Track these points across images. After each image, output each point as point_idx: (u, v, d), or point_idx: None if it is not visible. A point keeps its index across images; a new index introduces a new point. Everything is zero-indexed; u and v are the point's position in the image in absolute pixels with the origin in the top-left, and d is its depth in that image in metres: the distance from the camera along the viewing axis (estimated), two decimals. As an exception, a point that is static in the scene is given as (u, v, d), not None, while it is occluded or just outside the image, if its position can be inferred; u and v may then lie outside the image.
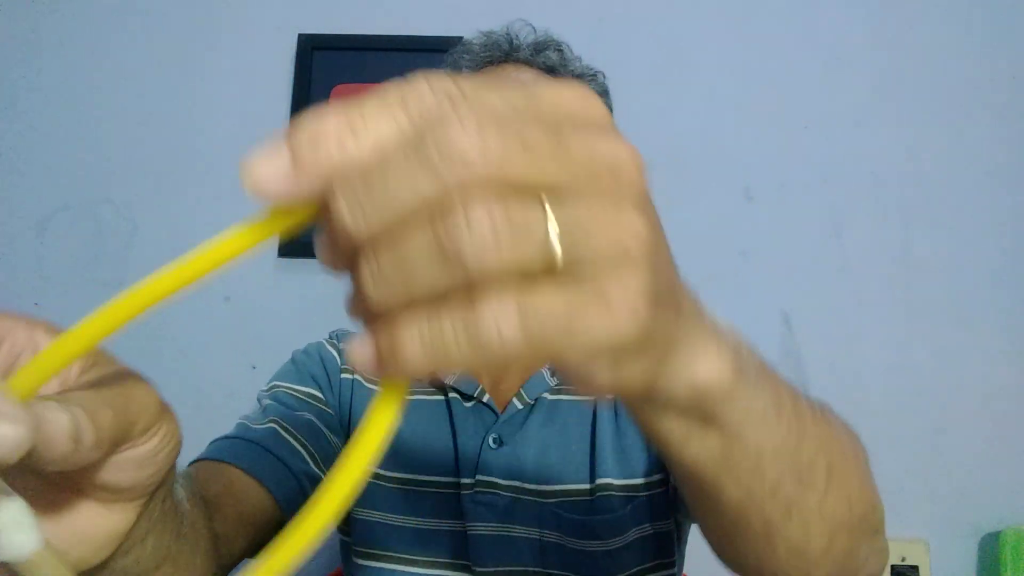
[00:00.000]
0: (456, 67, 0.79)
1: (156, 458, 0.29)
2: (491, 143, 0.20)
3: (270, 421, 0.67)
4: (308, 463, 0.68)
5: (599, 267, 0.21)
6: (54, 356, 0.26)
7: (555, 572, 0.68)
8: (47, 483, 0.29)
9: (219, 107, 1.26)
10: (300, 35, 1.26)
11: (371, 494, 0.72)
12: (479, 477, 0.70)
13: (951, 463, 1.10)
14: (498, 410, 0.73)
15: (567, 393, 0.75)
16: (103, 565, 0.31)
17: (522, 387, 0.73)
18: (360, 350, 0.22)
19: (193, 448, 1.24)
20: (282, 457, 0.66)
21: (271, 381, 0.75)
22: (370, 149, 0.21)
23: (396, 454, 0.73)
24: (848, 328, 1.16)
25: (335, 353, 0.79)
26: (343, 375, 0.75)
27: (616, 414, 0.73)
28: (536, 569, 0.68)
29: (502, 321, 0.20)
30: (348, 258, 0.23)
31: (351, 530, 0.74)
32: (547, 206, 0.20)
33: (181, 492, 0.40)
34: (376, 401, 0.24)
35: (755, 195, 1.20)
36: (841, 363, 1.14)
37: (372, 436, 0.24)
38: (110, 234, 1.23)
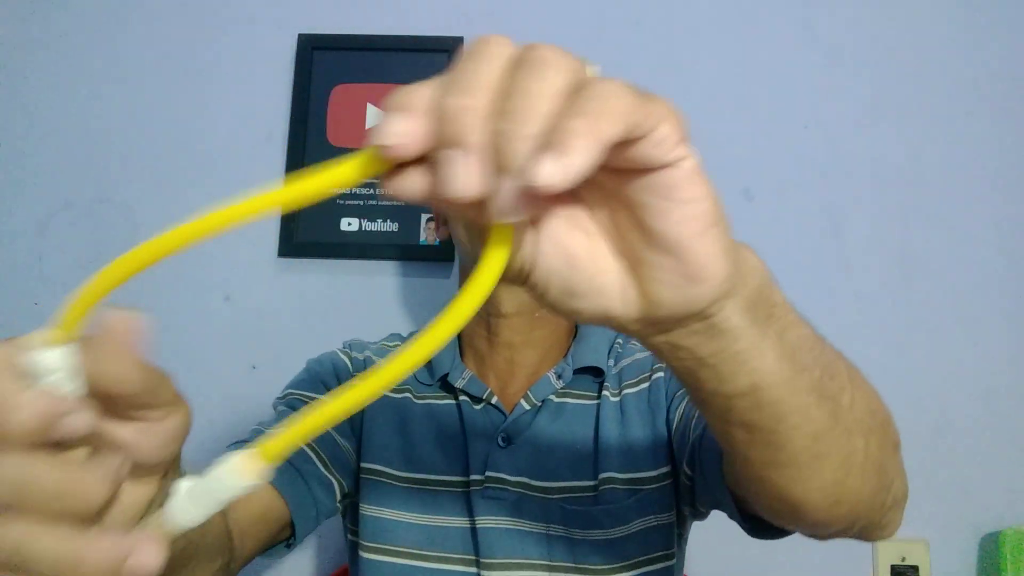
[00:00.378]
0: None
1: (181, 429, 0.31)
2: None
3: None
4: (319, 467, 0.73)
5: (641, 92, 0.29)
6: (99, 287, 0.29)
7: (561, 564, 0.71)
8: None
9: (219, 107, 1.26)
10: (300, 35, 1.26)
11: (383, 492, 0.76)
12: (488, 474, 0.73)
13: (951, 463, 1.10)
14: (506, 411, 0.77)
15: (572, 396, 0.79)
16: None
17: (529, 389, 0.77)
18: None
19: (194, 447, 1.24)
20: (294, 462, 0.70)
21: (286, 389, 0.80)
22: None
23: (409, 456, 0.77)
24: (848, 328, 1.15)
25: (347, 361, 0.83)
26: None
27: (621, 412, 0.76)
28: (542, 562, 0.71)
29: (602, 84, 0.28)
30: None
31: (359, 527, 0.76)
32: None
33: None
34: (489, 244, 0.28)
35: (755, 195, 1.20)
36: (841, 363, 1.14)
37: (486, 273, 0.27)
38: (110, 234, 1.23)
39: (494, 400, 0.78)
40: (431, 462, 0.76)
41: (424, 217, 1.19)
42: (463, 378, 0.79)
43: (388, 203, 1.21)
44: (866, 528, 0.49)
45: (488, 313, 0.78)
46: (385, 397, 0.79)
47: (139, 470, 0.31)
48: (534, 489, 0.74)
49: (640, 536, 0.72)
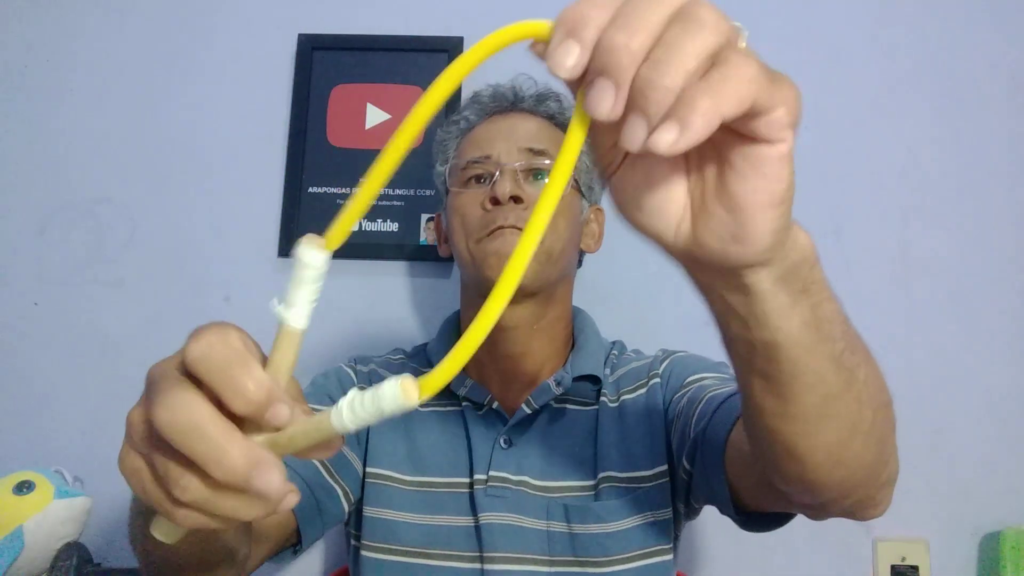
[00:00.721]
0: (466, 118, 0.88)
1: None
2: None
3: None
4: (324, 476, 0.76)
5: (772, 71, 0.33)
6: (355, 210, 0.36)
7: (561, 558, 0.74)
8: None
9: (219, 107, 1.26)
10: (300, 35, 1.26)
11: (389, 496, 0.79)
12: (492, 473, 0.77)
13: (951, 463, 1.10)
14: (507, 415, 0.81)
15: (572, 403, 0.83)
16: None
17: (530, 395, 0.81)
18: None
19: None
20: (300, 472, 0.73)
21: None
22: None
23: (415, 460, 0.80)
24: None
25: (353, 375, 0.86)
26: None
27: (620, 416, 0.80)
28: (543, 556, 0.74)
29: (740, 63, 0.31)
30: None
31: (362, 530, 0.79)
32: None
33: None
34: (571, 124, 0.32)
35: (755, 195, 1.20)
36: (841, 363, 1.14)
37: (569, 148, 0.31)
38: (110, 234, 1.23)
39: (495, 405, 0.81)
40: (437, 465, 0.80)
41: (424, 217, 1.19)
42: (465, 386, 0.82)
43: (388, 203, 1.21)
44: (860, 503, 0.52)
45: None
46: None
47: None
48: (535, 488, 0.77)
49: (638, 531, 0.75)
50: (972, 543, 1.09)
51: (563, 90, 0.92)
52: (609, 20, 0.29)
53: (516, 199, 0.77)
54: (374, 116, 1.23)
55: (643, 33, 0.29)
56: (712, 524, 1.06)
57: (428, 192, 1.19)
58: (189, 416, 0.31)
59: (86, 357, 1.19)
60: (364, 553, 0.77)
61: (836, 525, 1.07)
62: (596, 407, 0.82)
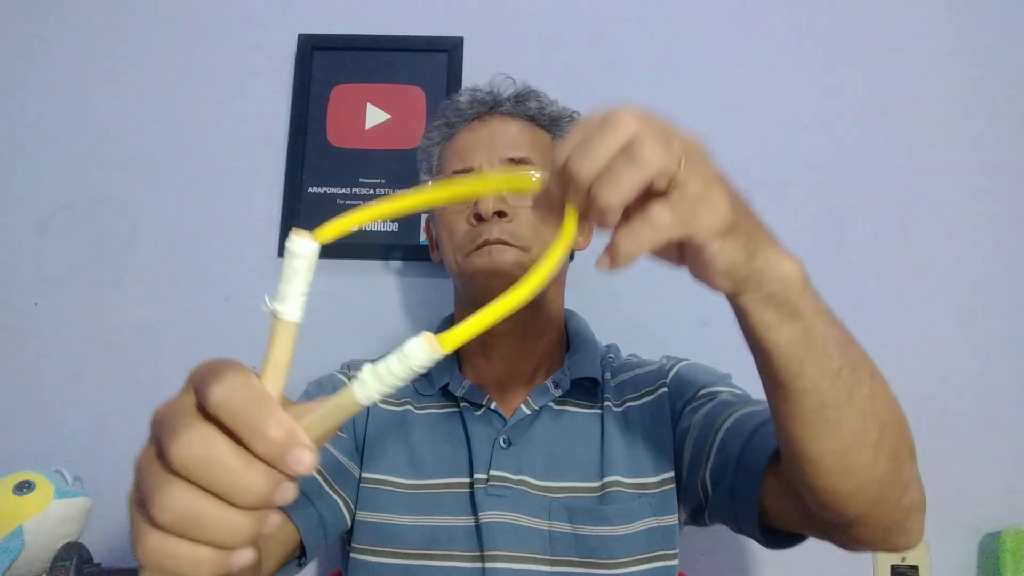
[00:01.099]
0: (447, 123, 0.89)
1: None
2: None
3: None
4: (324, 488, 0.76)
5: (704, 183, 0.43)
6: (351, 220, 0.38)
7: (563, 559, 0.74)
8: None
9: (219, 107, 1.26)
10: (300, 35, 1.26)
11: (387, 500, 0.79)
12: (492, 472, 0.77)
13: (951, 463, 1.10)
14: (506, 416, 0.81)
15: (572, 405, 0.83)
16: None
17: (528, 395, 0.81)
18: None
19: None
20: (302, 488, 0.72)
21: None
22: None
23: (414, 463, 0.81)
24: (848, 328, 1.16)
25: (346, 380, 0.86)
26: None
27: (626, 422, 0.81)
28: (545, 556, 0.74)
29: (662, 211, 0.42)
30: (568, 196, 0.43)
31: (355, 534, 0.78)
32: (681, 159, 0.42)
33: None
34: (563, 227, 0.42)
35: (755, 195, 1.19)
36: (841, 363, 1.14)
37: (559, 246, 0.40)
38: (110, 234, 1.23)
39: (493, 406, 0.82)
40: (436, 466, 0.80)
41: (423, 217, 1.19)
42: (463, 387, 0.83)
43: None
44: (885, 527, 0.55)
45: (481, 336, 0.79)
46: (385, 412, 0.84)
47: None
48: (535, 488, 0.77)
49: (644, 535, 0.75)
50: (972, 543, 1.09)
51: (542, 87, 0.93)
52: (573, 153, 0.41)
53: (500, 214, 0.78)
54: (374, 116, 1.23)
55: (596, 163, 0.41)
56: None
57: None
58: (206, 449, 0.31)
59: (86, 357, 1.19)
60: (362, 557, 0.76)
61: (836, 525, 1.07)
62: (600, 411, 0.82)
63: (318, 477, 0.76)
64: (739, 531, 0.70)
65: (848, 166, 1.20)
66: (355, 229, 0.38)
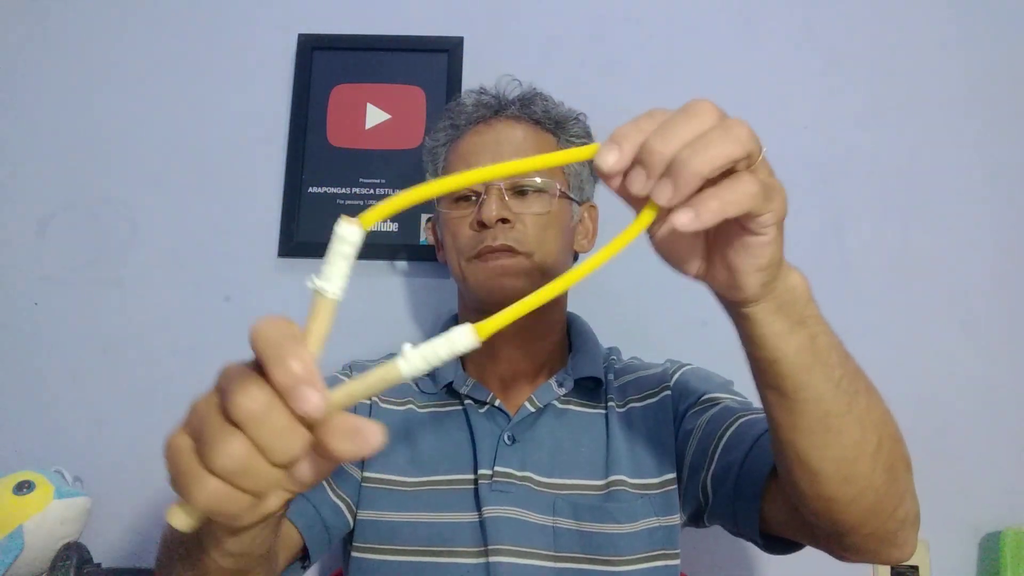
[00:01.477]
0: (453, 124, 0.89)
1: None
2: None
3: None
4: (327, 492, 0.77)
5: (772, 176, 0.45)
6: (393, 205, 0.38)
7: (568, 555, 0.75)
8: None
9: (219, 107, 1.26)
10: (300, 35, 1.26)
11: (390, 499, 0.79)
12: (497, 468, 0.78)
13: (951, 463, 1.10)
14: (510, 413, 0.82)
15: (575, 404, 0.84)
16: (243, 529, 0.40)
17: (532, 393, 0.82)
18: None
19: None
20: (305, 494, 0.74)
21: None
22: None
23: (417, 461, 0.81)
24: (848, 328, 1.15)
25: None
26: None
27: (629, 423, 0.82)
28: (549, 552, 0.74)
29: (752, 180, 0.42)
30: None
31: (356, 532, 0.79)
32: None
33: None
34: (637, 218, 0.42)
35: (755, 195, 1.20)
36: (841, 363, 1.14)
37: (636, 226, 0.42)
38: (110, 234, 1.23)
39: (497, 403, 0.82)
40: (440, 464, 0.80)
41: (424, 217, 1.19)
42: (467, 384, 0.84)
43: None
44: (879, 538, 0.56)
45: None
46: (387, 411, 0.84)
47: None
48: (539, 484, 0.78)
49: (647, 534, 0.75)
50: (972, 543, 1.09)
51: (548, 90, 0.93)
52: (654, 132, 0.40)
53: (503, 220, 0.79)
54: (374, 116, 1.23)
55: (676, 142, 0.40)
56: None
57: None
58: (265, 408, 0.33)
59: (86, 357, 1.19)
60: (364, 556, 0.76)
61: (836, 525, 1.07)
62: (604, 410, 0.83)
63: (323, 482, 0.76)
64: (738, 535, 0.71)
65: (848, 166, 1.20)
66: (398, 212, 0.40)
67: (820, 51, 1.24)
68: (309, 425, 0.34)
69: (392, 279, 1.19)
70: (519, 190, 0.82)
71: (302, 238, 1.19)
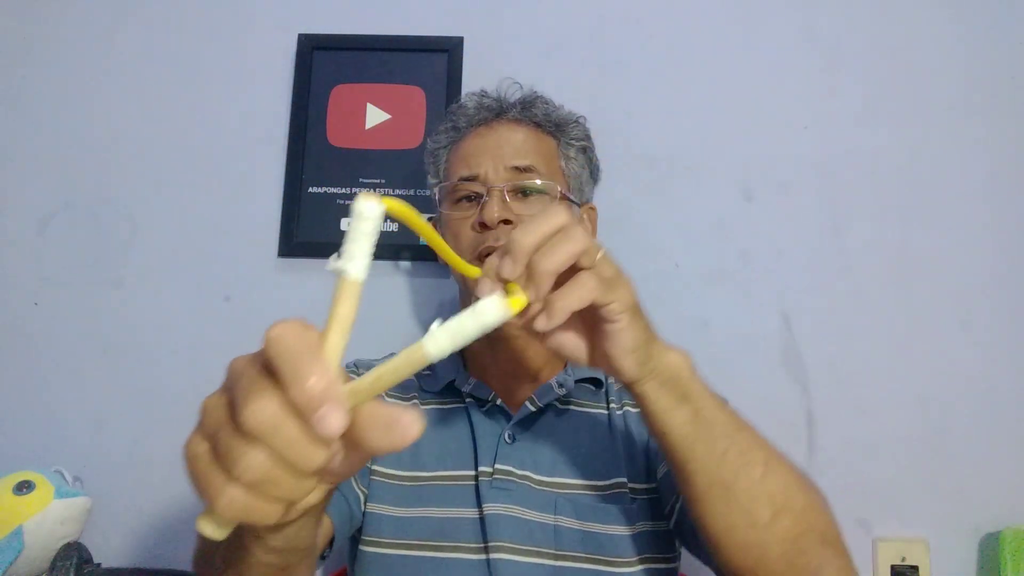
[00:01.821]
0: (455, 126, 0.91)
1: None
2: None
3: None
4: (351, 481, 0.78)
5: (616, 271, 0.52)
6: (409, 212, 0.39)
7: (570, 553, 0.75)
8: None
9: (219, 107, 1.26)
10: (300, 35, 1.26)
11: (391, 493, 0.80)
12: (497, 466, 0.78)
13: (951, 463, 1.10)
14: (510, 412, 0.83)
15: (577, 404, 0.85)
16: (285, 523, 0.39)
17: (533, 393, 0.83)
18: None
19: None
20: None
21: None
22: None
23: (417, 457, 0.81)
24: (848, 328, 1.16)
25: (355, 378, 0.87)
26: None
27: (625, 425, 0.83)
28: (549, 550, 0.75)
29: (589, 275, 0.50)
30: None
31: (363, 526, 0.79)
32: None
33: None
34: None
35: (755, 195, 1.20)
36: (841, 363, 1.14)
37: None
38: (110, 234, 1.23)
39: (498, 402, 0.83)
40: (441, 460, 0.81)
41: (424, 217, 1.19)
42: (469, 383, 0.84)
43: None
44: None
45: (488, 336, 0.80)
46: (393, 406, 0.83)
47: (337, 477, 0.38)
48: (539, 483, 0.79)
49: (648, 536, 0.76)
50: (972, 543, 1.09)
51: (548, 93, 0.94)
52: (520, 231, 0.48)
53: (505, 221, 0.80)
54: (374, 116, 1.23)
55: (527, 251, 0.48)
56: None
57: (428, 192, 1.19)
58: (274, 421, 0.32)
59: (86, 357, 1.19)
60: (371, 550, 0.77)
61: (836, 525, 1.07)
62: (606, 411, 0.84)
63: None
64: (703, 561, 0.72)
65: (848, 166, 1.20)
66: (407, 223, 0.41)
67: (820, 51, 1.23)
68: None
69: (392, 279, 1.19)
70: (521, 192, 0.83)
71: (302, 238, 1.19)
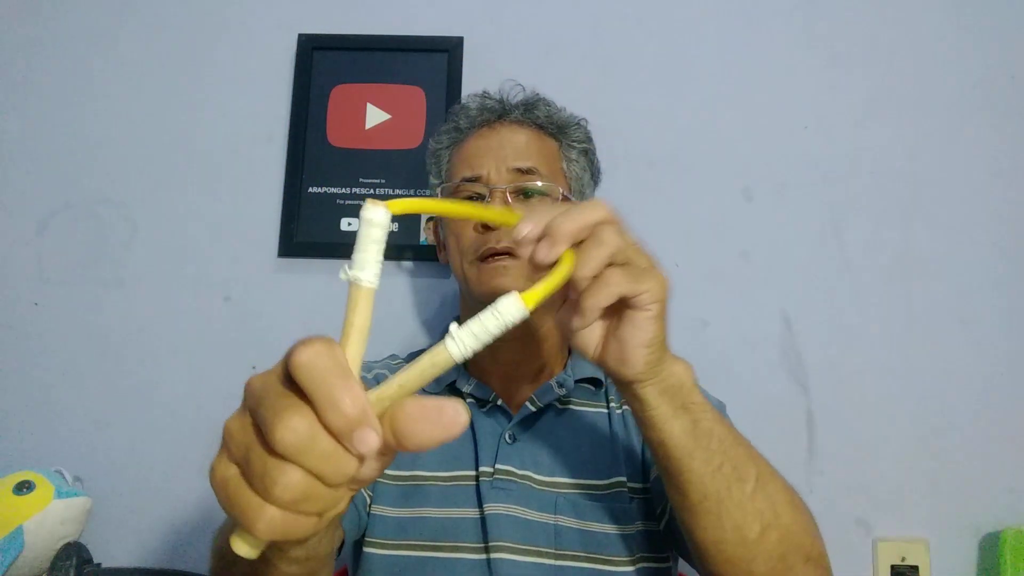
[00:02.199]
0: (457, 127, 0.91)
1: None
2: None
3: None
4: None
5: (649, 262, 0.52)
6: (421, 205, 0.40)
7: (569, 552, 0.75)
8: None
9: (219, 107, 1.26)
10: (300, 35, 1.26)
11: (391, 494, 0.80)
12: (498, 466, 0.78)
13: (951, 463, 1.10)
14: (511, 412, 0.83)
15: (577, 404, 0.85)
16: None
17: (534, 393, 0.83)
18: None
19: (196, 446, 1.24)
20: None
21: None
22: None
23: (415, 457, 0.81)
24: (848, 328, 1.16)
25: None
26: None
27: (624, 425, 0.83)
28: (549, 549, 0.75)
29: (614, 271, 0.50)
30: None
31: (366, 528, 0.79)
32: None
33: None
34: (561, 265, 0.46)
35: (755, 195, 1.20)
36: (841, 363, 1.14)
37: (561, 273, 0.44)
38: (110, 234, 1.23)
39: (499, 402, 0.83)
40: (441, 461, 0.81)
41: (424, 217, 1.19)
42: (469, 384, 0.85)
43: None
44: None
45: None
46: None
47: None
48: (540, 483, 0.79)
49: (643, 536, 0.76)
50: (972, 543, 1.09)
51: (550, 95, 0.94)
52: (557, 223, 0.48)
53: None
54: (374, 116, 1.23)
55: (570, 237, 0.47)
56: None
57: (428, 192, 1.19)
58: (309, 438, 0.32)
59: (86, 357, 1.19)
60: (374, 551, 0.77)
61: (836, 525, 1.07)
62: (606, 410, 0.84)
63: None
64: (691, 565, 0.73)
65: (848, 166, 1.20)
66: (423, 211, 0.40)
67: (820, 51, 1.23)
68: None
69: (393, 279, 1.19)
70: (523, 193, 0.83)
71: (302, 238, 1.19)
